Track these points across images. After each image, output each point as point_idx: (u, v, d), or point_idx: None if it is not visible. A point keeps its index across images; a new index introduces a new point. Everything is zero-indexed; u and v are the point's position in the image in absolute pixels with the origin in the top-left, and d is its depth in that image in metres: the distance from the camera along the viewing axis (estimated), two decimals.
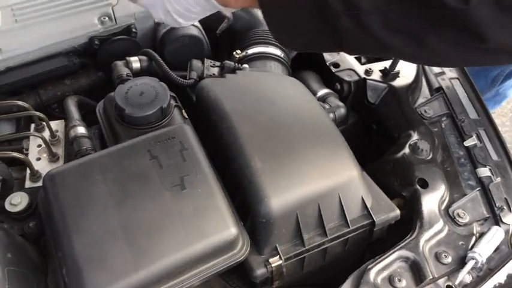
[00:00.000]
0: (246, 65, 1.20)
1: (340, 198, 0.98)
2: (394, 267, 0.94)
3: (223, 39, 1.40)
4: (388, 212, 1.01)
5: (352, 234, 1.00)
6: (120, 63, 1.14)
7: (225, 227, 0.84)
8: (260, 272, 0.92)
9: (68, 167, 0.87)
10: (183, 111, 1.08)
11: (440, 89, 1.36)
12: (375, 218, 0.99)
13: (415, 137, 1.18)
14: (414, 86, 1.32)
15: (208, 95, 1.06)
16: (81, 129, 1.00)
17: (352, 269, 0.97)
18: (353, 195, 1.00)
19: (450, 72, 1.42)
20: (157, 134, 0.93)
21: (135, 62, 1.16)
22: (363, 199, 1.01)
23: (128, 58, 1.16)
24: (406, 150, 1.14)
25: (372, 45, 0.68)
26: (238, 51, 1.25)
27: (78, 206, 0.82)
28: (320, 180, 0.96)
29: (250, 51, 1.26)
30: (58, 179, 0.85)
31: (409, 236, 0.99)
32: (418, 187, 1.06)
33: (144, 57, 1.19)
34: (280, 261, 0.93)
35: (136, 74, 1.17)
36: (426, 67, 1.40)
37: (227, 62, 1.19)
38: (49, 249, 0.82)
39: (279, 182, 0.93)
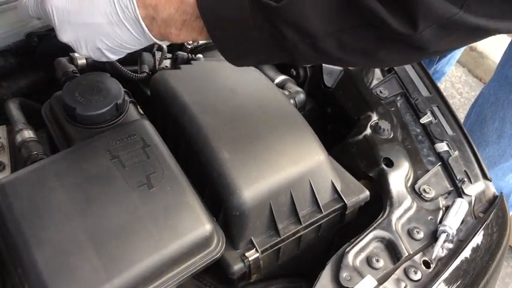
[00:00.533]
0: (200, 55, 1.16)
1: (311, 183, 0.97)
2: (371, 248, 0.95)
3: None
4: (358, 193, 1.02)
5: (325, 220, 1.00)
6: (63, 60, 1.06)
7: (199, 223, 0.81)
8: (237, 267, 0.89)
9: (18, 175, 0.79)
10: (138, 107, 1.02)
11: (391, 69, 1.38)
12: (346, 201, 0.99)
13: (374, 117, 1.19)
14: (367, 68, 1.34)
15: (165, 88, 1.01)
16: (29, 133, 0.92)
17: (323, 256, 0.96)
18: (323, 180, 0.99)
19: None
20: (116, 132, 0.87)
21: (80, 58, 1.08)
22: (332, 183, 1.00)
23: (72, 54, 1.08)
24: (368, 131, 1.15)
25: (327, 62, 0.79)
26: (190, 41, 1.20)
27: (35, 216, 0.74)
28: (290, 167, 0.95)
29: (202, 41, 1.21)
30: (9, 188, 0.77)
31: (380, 216, 1.00)
32: (384, 166, 1.08)
33: None
34: (257, 254, 0.90)
35: (82, 70, 1.09)
36: None
37: (180, 52, 1.14)
38: (6, 267, 0.74)
39: (250, 172, 0.90)
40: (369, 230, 0.96)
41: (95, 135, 0.89)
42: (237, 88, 1.05)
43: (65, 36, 0.78)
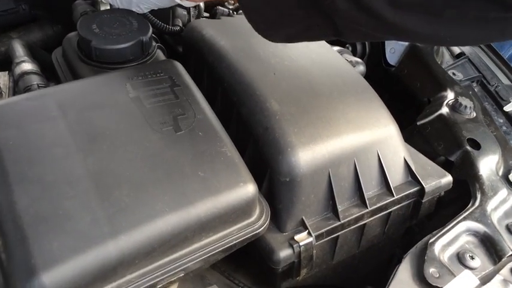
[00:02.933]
0: None
1: (379, 156, 0.77)
2: (461, 243, 0.73)
3: None
4: (439, 177, 0.81)
5: (396, 207, 0.79)
6: (83, 2, 0.92)
7: (238, 180, 0.61)
8: (284, 254, 0.68)
9: (11, 101, 0.63)
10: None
11: (462, 54, 1.20)
12: (424, 184, 0.79)
13: (450, 96, 1.00)
14: (436, 47, 1.16)
15: (201, 35, 0.85)
16: (29, 65, 0.76)
17: (381, 271, 0.76)
18: (393, 156, 0.80)
19: None
20: (139, 67, 0.71)
21: (104, 4, 0.93)
22: (405, 160, 0.81)
23: None
24: (444, 109, 0.96)
25: (375, 29, 0.55)
26: (231, 1, 1.05)
27: (23, 148, 0.57)
28: (354, 131, 0.76)
29: None
30: None
31: (470, 204, 0.79)
32: (469, 148, 0.87)
33: None
34: (310, 239, 0.70)
35: None
36: None
37: (219, 7, 0.99)
38: None
39: (305, 128, 0.72)
40: (458, 219, 0.75)
41: None
42: (289, 44, 0.88)
43: None
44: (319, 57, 0.87)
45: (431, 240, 0.71)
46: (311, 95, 0.78)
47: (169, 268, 0.56)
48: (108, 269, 0.51)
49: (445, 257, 0.70)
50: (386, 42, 1.11)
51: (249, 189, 0.62)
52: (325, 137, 0.72)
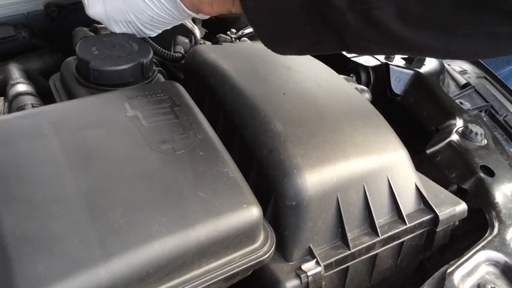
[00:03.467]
0: (246, 39, 1.00)
1: (389, 181, 0.74)
2: (482, 273, 0.68)
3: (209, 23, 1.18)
4: (453, 204, 0.77)
5: (409, 236, 0.74)
6: (83, 29, 0.91)
7: (242, 201, 0.58)
8: (291, 285, 0.64)
9: (0, 119, 0.60)
10: None
11: (468, 84, 1.19)
12: (438, 212, 0.75)
13: (459, 124, 0.97)
14: (442, 77, 1.15)
15: (203, 59, 0.83)
16: (24, 87, 0.74)
17: None
18: (404, 181, 0.76)
19: (473, 71, 1.27)
20: (139, 87, 0.69)
21: (104, 29, 0.92)
22: (417, 187, 0.77)
23: (95, 25, 0.93)
24: (454, 136, 0.93)
25: (385, 45, 0.55)
26: (233, 30, 1.05)
27: (11, 166, 0.54)
28: (363, 155, 0.72)
29: (248, 30, 1.06)
30: None
31: (488, 233, 0.74)
32: (483, 175, 0.84)
33: None
34: (319, 268, 0.65)
35: None
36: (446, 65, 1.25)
37: (222, 35, 0.98)
38: None
39: (311, 151, 0.68)
40: (476, 248, 0.70)
41: None
42: (294, 66, 0.86)
43: (94, 9, 0.76)
44: (325, 81, 0.85)
45: (449, 270, 0.66)
46: (317, 117, 0.75)
47: None
48: None
49: (465, 287, 0.65)
50: (391, 71, 1.09)
51: (253, 211, 0.58)
52: (333, 160, 0.69)
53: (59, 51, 1.01)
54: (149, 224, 0.52)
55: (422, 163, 0.93)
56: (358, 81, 1.11)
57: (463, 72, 1.26)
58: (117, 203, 0.52)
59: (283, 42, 0.62)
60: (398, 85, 1.09)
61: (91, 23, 0.94)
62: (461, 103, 1.08)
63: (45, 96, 0.84)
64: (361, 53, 0.63)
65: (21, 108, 0.68)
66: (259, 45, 0.96)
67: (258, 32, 0.61)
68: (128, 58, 0.74)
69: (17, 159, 0.54)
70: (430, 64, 1.12)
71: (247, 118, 0.72)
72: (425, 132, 1.04)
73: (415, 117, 1.07)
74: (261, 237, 0.61)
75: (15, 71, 0.78)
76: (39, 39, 1.01)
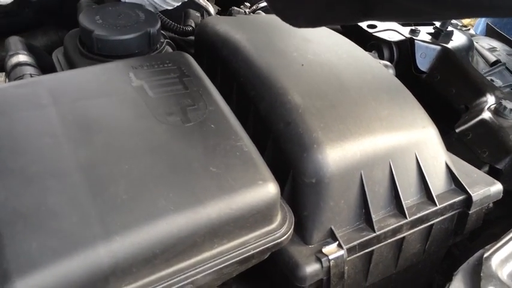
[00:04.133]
0: (260, 11, 0.94)
1: (417, 159, 0.68)
2: None
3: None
4: (487, 185, 0.71)
5: (439, 219, 0.69)
6: (89, 0, 0.86)
7: (257, 177, 0.53)
8: (310, 269, 0.59)
9: None
10: None
11: (499, 61, 1.12)
12: (471, 192, 0.69)
13: (491, 101, 0.90)
14: (471, 53, 1.08)
15: (215, 30, 0.78)
16: (23, 57, 0.70)
17: None
18: (433, 160, 0.70)
19: (503, 48, 1.20)
20: (145, 57, 0.64)
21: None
22: (447, 166, 0.71)
23: None
24: (486, 114, 0.87)
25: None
26: (247, 4, 0.99)
27: (8, 137, 0.49)
28: (388, 131, 0.67)
29: (262, 4, 1.00)
30: None
31: None
32: None
33: None
34: (342, 252, 0.60)
35: None
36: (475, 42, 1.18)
37: (235, 8, 0.92)
38: None
39: (332, 124, 0.63)
40: None
41: None
42: (312, 38, 0.80)
43: None
44: (347, 53, 0.80)
45: (486, 255, 0.60)
46: (338, 89, 0.69)
47: (173, 280, 0.47)
48: (98, 277, 0.42)
49: (503, 274, 0.59)
50: (416, 46, 1.03)
51: (269, 188, 0.53)
52: (357, 135, 0.63)
53: (64, 27, 0.96)
54: (155, 200, 0.47)
55: (451, 143, 0.87)
56: (381, 59, 1.05)
57: (493, 50, 1.19)
58: (119, 177, 0.48)
59: (294, 7, 0.56)
60: (424, 61, 1.03)
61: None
62: (492, 80, 1.02)
63: (48, 72, 0.80)
64: (383, 16, 0.55)
65: (19, 78, 0.64)
66: (274, 17, 0.91)
67: None
68: (133, 27, 0.69)
69: (13, 129, 0.50)
70: (458, 39, 1.05)
71: (262, 90, 0.67)
72: (453, 112, 0.97)
73: (442, 95, 1.00)
74: (279, 218, 0.56)
75: (15, 42, 0.74)
76: (45, 14, 0.97)
